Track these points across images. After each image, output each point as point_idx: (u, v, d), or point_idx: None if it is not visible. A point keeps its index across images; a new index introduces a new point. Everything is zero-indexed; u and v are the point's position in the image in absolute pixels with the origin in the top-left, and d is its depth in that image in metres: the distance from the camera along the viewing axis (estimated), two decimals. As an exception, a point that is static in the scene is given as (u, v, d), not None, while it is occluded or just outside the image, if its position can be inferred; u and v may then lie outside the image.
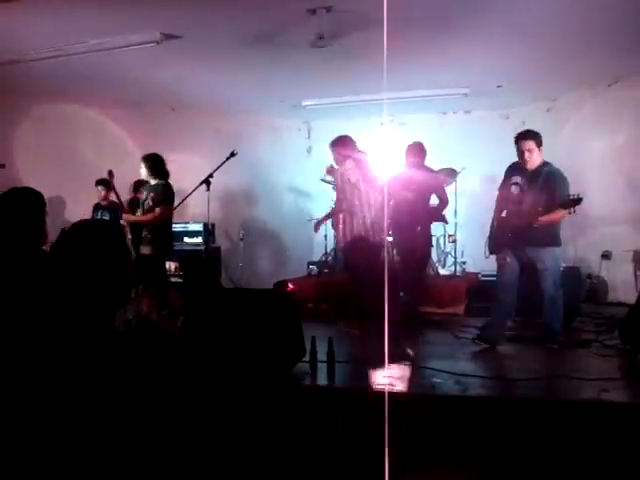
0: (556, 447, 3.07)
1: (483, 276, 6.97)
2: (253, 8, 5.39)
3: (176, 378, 1.82)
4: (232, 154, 5.70)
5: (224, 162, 5.71)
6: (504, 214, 4.97)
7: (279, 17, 5.61)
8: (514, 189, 4.87)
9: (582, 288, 6.53)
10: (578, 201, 4.41)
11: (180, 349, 2.10)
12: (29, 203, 2.76)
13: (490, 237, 5.04)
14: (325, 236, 8.25)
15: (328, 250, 8.29)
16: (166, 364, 1.82)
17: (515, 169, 4.95)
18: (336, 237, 6.02)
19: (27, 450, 1.58)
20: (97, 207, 7.72)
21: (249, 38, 6.07)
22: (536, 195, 4.68)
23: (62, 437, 1.58)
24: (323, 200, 8.75)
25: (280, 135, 9.03)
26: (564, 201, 4.49)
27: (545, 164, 4.84)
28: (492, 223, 5.09)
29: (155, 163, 5.67)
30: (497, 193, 5.12)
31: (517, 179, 4.88)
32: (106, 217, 7.48)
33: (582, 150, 7.81)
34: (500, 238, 4.87)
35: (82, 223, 1.97)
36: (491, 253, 4.95)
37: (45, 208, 2.88)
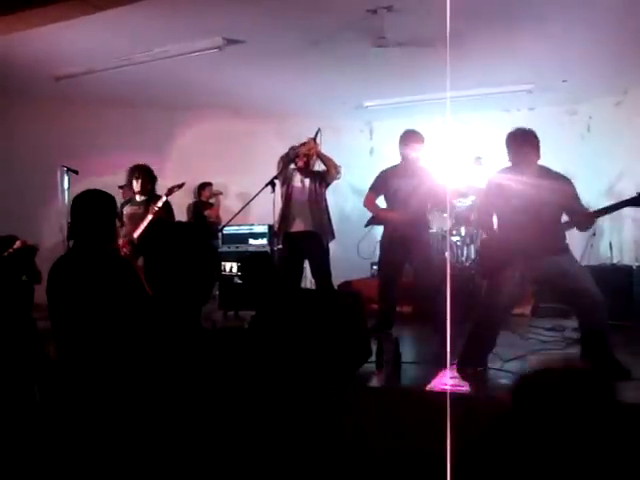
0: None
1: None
2: (314, 10, 5.44)
3: (246, 373, 1.86)
4: (297, 155, 5.74)
5: (288, 164, 5.77)
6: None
7: (340, 18, 5.63)
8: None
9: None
10: None
11: (249, 345, 2.14)
12: (100, 204, 2.87)
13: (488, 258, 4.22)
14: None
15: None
16: (238, 359, 1.87)
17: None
18: None
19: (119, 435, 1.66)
20: None
21: (310, 40, 6.12)
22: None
23: (146, 425, 1.64)
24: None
25: (342, 136, 9.04)
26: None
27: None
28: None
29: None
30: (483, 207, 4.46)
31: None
32: None
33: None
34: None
35: (168, 223, 2.06)
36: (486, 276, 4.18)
37: (116, 210, 2.99)
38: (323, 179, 5.74)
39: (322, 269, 5.74)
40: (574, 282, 3.93)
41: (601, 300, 3.88)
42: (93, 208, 2.83)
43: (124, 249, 5.72)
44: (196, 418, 1.71)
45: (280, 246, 6.01)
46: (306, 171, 5.75)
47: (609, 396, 1.36)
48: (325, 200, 5.79)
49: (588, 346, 3.98)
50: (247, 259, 6.13)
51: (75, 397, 2.22)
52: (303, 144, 5.71)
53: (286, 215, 5.73)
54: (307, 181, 5.73)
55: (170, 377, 1.71)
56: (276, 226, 5.88)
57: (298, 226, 5.69)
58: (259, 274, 5.25)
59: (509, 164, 4.23)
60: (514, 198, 4.02)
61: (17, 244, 6.04)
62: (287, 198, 5.74)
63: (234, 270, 7.27)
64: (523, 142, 4.12)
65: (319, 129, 5.66)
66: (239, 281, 7.05)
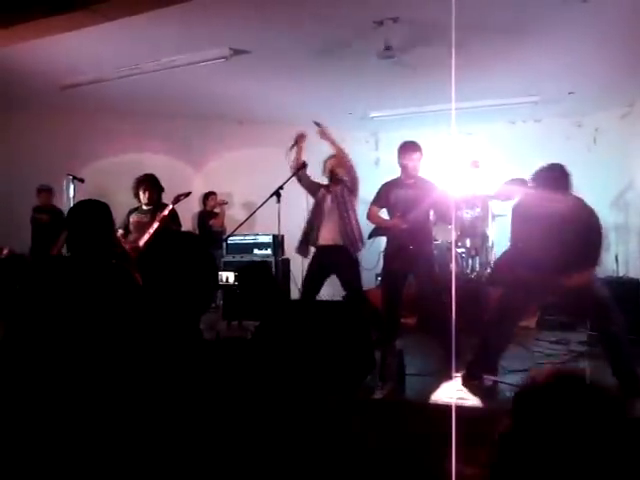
0: None
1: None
2: (320, 21, 5.45)
3: (248, 383, 1.85)
4: (303, 165, 5.75)
5: (294, 174, 5.76)
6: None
7: (346, 29, 5.65)
8: None
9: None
10: None
11: (253, 355, 2.13)
12: (95, 214, 2.86)
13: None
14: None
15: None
16: (240, 369, 1.86)
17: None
18: None
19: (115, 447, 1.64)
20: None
21: (316, 51, 6.14)
22: None
23: (145, 437, 1.63)
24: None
25: (348, 147, 9.00)
26: None
27: None
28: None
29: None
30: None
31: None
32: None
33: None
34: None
35: (167, 232, 2.04)
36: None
37: (112, 219, 2.97)
38: (348, 188, 5.74)
39: (353, 284, 5.69)
40: (593, 297, 3.98)
41: (617, 312, 3.97)
42: (88, 218, 2.82)
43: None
44: (198, 428, 1.70)
45: (284, 256, 5.99)
46: (334, 181, 5.74)
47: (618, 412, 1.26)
48: (354, 210, 5.76)
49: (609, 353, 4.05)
50: (244, 269, 6.13)
51: (74, 405, 2.21)
52: (333, 156, 5.77)
53: (314, 227, 5.68)
54: (335, 192, 5.72)
55: (170, 387, 1.70)
56: (301, 236, 5.81)
57: (326, 239, 5.65)
58: (256, 284, 5.24)
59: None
60: (542, 220, 4.02)
61: (4, 253, 6.04)
62: (315, 209, 5.71)
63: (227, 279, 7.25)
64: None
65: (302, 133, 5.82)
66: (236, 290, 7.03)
